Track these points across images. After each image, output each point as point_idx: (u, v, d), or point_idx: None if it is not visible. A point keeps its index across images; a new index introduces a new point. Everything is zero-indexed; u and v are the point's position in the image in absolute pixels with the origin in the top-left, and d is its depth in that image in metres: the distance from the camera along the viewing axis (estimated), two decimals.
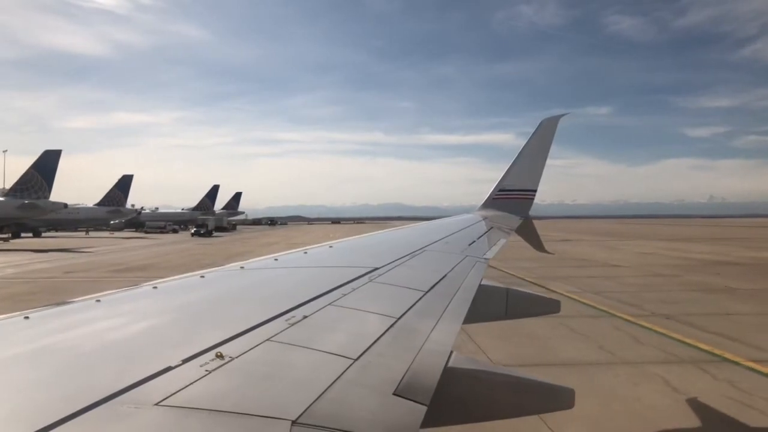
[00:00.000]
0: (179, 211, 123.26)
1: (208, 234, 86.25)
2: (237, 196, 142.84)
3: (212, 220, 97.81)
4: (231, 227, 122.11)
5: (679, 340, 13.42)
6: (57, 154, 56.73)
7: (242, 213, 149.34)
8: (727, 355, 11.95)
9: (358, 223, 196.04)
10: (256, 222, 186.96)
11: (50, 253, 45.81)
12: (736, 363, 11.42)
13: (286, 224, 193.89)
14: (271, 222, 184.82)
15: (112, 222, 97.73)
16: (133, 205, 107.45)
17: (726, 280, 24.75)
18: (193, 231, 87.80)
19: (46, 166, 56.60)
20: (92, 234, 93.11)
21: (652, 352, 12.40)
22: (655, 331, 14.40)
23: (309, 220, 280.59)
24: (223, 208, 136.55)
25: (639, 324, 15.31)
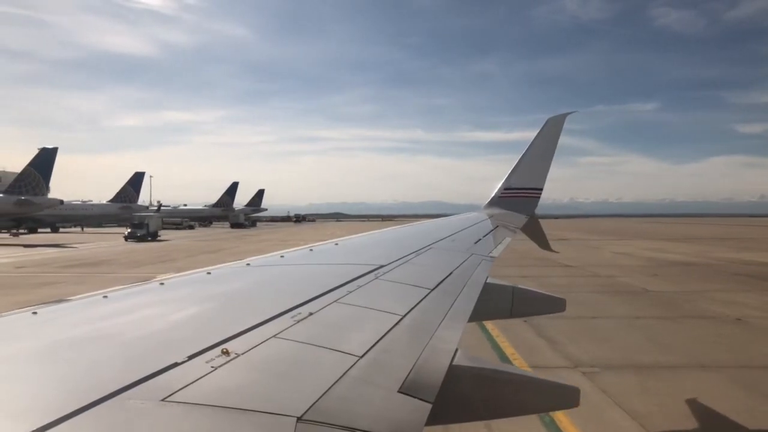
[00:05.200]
0: (199, 207, 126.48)
1: (150, 237, 61.47)
2: (260, 193, 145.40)
3: (155, 219, 69.29)
4: (250, 224, 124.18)
5: (495, 344, 12.85)
6: (53, 151, 59.01)
7: (264, 209, 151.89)
8: (516, 360, 11.37)
9: (385, 220, 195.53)
10: (285, 219, 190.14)
11: (38, 248, 47.56)
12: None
13: (313, 221, 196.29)
14: (297, 219, 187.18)
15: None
16: (158, 201, 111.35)
17: (654, 282, 23.64)
18: (127, 233, 60.95)
19: (43, 163, 58.95)
20: (110, 230, 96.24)
21: None
22: (489, 334, 13.82)
23: (338, 218, 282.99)
24: (246, 205, 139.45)
25: (484, 327, 14.69)
